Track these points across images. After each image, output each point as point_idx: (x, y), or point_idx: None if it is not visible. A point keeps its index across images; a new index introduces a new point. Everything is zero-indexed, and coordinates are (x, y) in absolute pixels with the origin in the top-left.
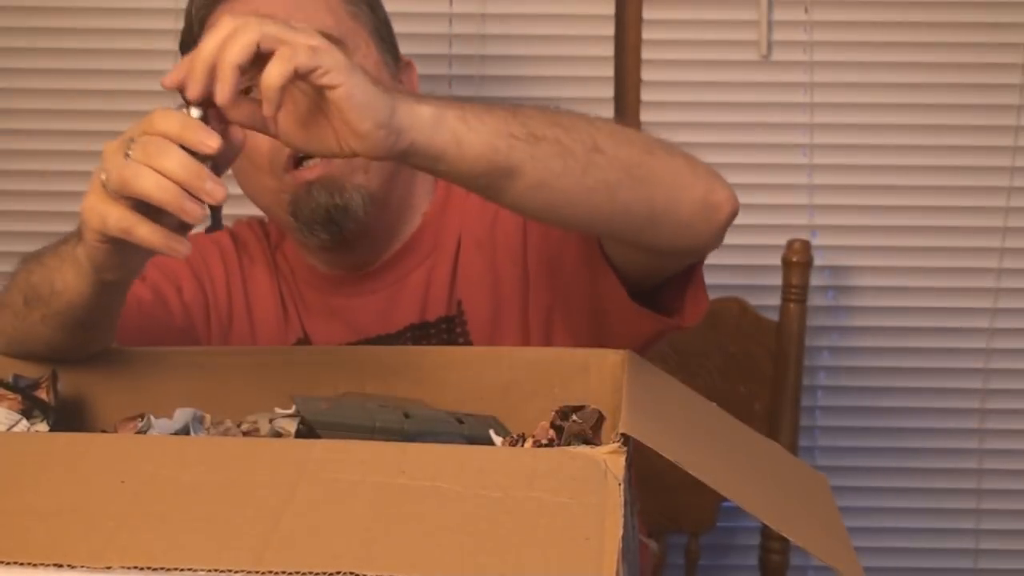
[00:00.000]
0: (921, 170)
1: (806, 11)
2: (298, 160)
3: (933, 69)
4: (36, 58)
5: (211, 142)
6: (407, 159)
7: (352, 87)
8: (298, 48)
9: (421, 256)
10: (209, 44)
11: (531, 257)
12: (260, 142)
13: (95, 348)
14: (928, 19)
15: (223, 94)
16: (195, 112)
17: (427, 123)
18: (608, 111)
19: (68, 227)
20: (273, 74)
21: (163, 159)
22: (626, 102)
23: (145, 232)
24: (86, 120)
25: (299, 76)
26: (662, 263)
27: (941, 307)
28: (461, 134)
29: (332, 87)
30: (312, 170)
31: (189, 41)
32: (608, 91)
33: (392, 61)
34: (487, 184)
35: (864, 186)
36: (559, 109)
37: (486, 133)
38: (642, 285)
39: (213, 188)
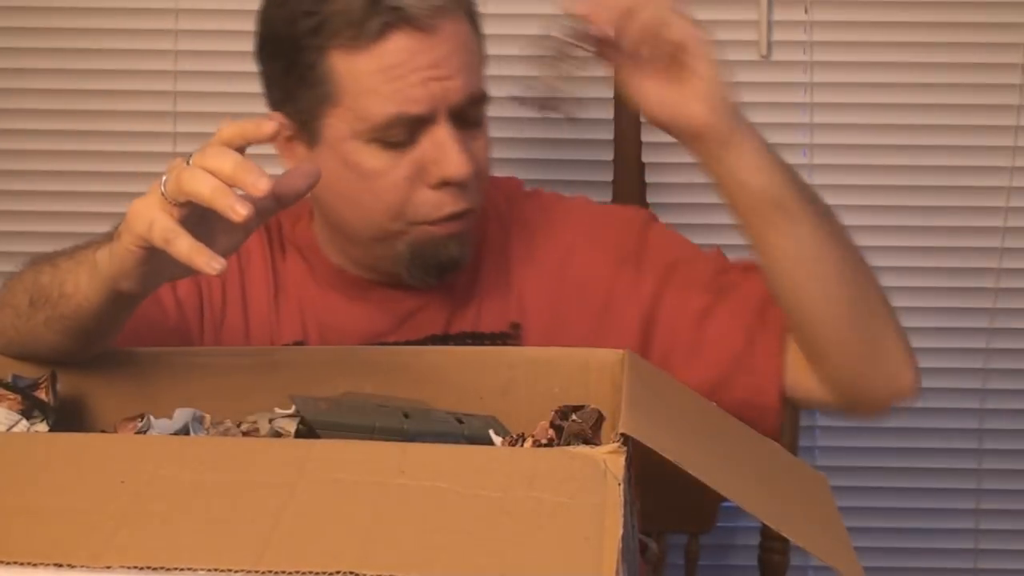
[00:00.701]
0: (920, 170)
1: (806, 11)
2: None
3: (933, 69)
4: (36, 58)
5: (261, 184)
6: (718, 152)
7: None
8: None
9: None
10: None
11: (624, 304)
12: (393, 186)
13: (96, 352)
14: (928, 19)
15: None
16: None
17: (745, 135)
18: (608, 111)
19: (68, 227)
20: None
21: (218, 160)
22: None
23: (185, 245)
24: (86, 120)
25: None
26: (807, 390)
27: (941, 307)
28: (762, 164)
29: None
30: (453, 225)
31: (290, 63)
32: (608, 91)
33: None
34: (761, 213)
35: (864, 186)
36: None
37: (778, 178)
38: None
39: (257, 179)
